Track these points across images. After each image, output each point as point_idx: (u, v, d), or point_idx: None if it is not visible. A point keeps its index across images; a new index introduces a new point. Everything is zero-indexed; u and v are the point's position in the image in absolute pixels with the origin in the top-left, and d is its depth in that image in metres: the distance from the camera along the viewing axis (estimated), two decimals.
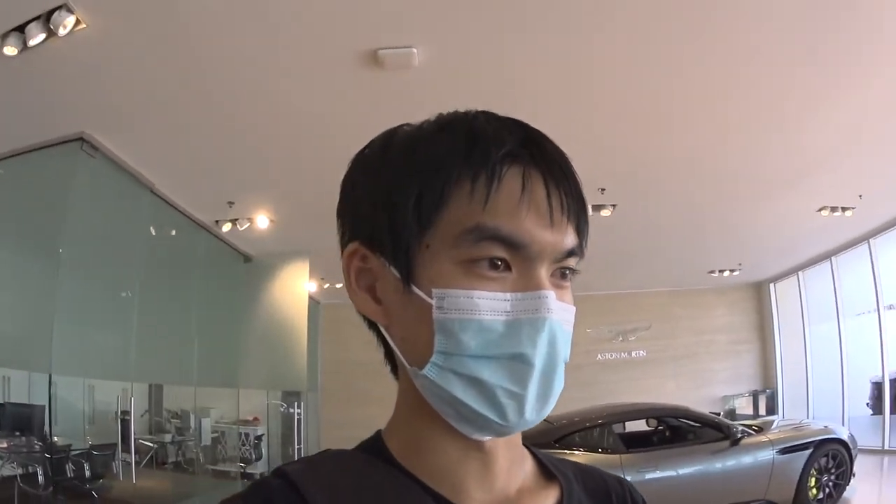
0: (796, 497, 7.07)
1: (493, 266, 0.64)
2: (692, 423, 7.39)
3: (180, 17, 4.79)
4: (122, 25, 4.83)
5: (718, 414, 9.89)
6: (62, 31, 4.70)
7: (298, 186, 8.01)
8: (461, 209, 0.64)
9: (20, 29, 4.76)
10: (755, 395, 15.36)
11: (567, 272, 0.69)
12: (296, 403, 11.25)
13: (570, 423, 6.79)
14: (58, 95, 5.67)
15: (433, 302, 0.64)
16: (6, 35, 4.78)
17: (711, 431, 7.16)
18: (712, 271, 14.46)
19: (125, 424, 7.55)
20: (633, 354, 15.96)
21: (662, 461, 6.75)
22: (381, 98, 5.70)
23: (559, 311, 0.66)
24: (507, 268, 0.65)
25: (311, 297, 11.33)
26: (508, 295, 0.64)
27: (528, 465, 0.77)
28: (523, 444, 0.77)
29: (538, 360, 0.64)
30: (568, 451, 6.44)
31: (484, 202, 0.64)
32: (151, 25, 4.87)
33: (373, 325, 0.73)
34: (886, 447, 11.36)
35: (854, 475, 7.61)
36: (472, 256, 0.64)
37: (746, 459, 6.96)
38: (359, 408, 11.28)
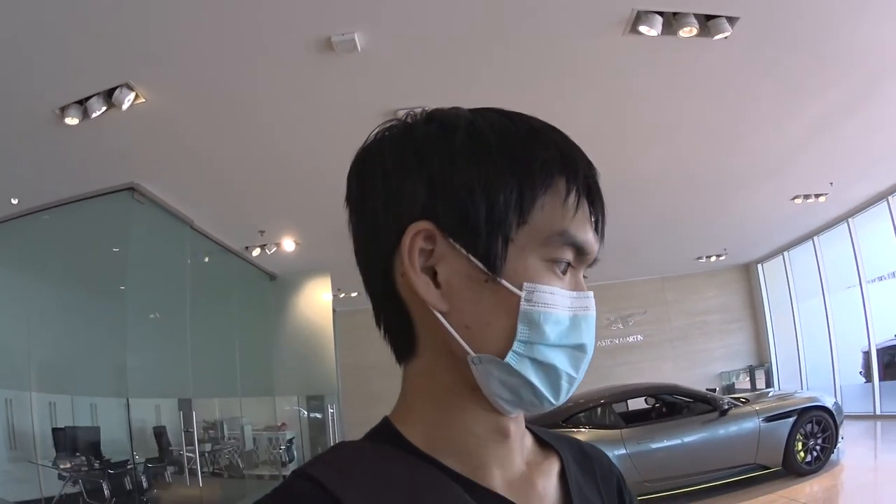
0: (785, 461, 7.55)
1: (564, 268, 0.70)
2: (684, 398, 7.91)
3: (225, 88, 5.50)
4: (174, 97, 5.54)
5: (714, 390, 10.26)
6: (125, 107, 5.25)
7: (320, 209, 8.64)
8: (553, 214, 0.68)
9: (80, 102, 5.29)
10: (752, 370, 15.70)
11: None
12: (326, 406, 12.00)
13: (575, 405, 7.31)
14: (113, 152, 6.30)
15: (522, 294, 0.66)
16: (66, 107, 5.32)
17: (702, 405, 7.69)
18: (699, 257, 14.98)
19: (160, 438, 7.93)
20: (631, 339, 16.35)
21: (658, 433, 7.34)
22: None
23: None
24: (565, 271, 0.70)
25: None
26: (571, 294, 0.70)
27: (528, 438, 0.80)
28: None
29: (590, 350, 0.71)
30: (574, 429, 7.08)
31: (574, 212, 0.69)
32: (199, 97, 5.59)
33: (397, 308, 0.72)
34: (878, 412, 11.67)
35: (842, 439, 8.02)
36: (555, 257, 0.69)
37: (734, 428, 7.49)
38: (373, 407, 11.85)
